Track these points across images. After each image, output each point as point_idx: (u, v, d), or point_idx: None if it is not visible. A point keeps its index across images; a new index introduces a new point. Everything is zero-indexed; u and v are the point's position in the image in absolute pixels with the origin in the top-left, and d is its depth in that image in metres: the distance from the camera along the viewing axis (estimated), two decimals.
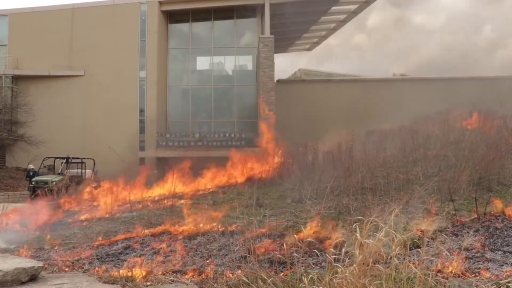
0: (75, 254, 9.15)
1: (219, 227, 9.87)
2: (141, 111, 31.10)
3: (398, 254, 5.91)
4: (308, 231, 8.22)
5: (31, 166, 24.90)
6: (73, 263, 8.53)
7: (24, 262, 6.96)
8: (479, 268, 6.86)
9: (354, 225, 6.17)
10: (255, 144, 28.64)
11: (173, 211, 12.03)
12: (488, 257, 7.31)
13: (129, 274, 7.44)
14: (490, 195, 10.62)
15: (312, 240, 7.40)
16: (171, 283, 6.80)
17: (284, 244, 7.03)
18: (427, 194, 10.76)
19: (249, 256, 6.88)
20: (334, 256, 5.75)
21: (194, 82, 33.58)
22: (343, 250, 5.59)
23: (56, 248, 9.78)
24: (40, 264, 7.07)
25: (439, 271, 6.51)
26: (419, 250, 7.07)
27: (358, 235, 5.85)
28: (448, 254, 6.72)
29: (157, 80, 31.12)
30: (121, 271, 7.67)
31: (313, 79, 41.23)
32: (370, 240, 5.86)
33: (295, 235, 7.07)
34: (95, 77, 30.85)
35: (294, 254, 6.74)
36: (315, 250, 7.39)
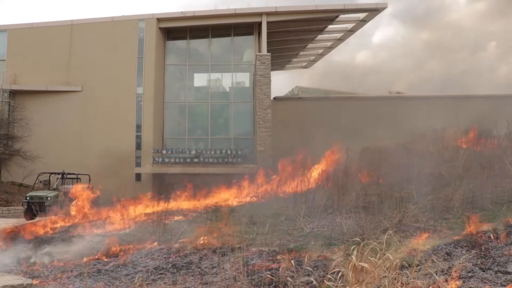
0: (67, 271, 9.09)
1: (211, 245, 9.82)
2: (138, 127, 31.11)
3: (389, 275, 5.90)
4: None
5: None
6: (63, 280, 8.47)
7: (14, 279, 6.92)
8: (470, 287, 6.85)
9: (352, 248, 6.17)
10: (251, 161, 28.71)
11: (166, 229, 11.98)
12: (479, 277, 7.29)
13: None
14: (483, 214, 10.63)
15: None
16: None
17: (280, 267, 7.00)
18: (421, 212, 10.76)
19: (239, 275, 6.85)
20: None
21: (191, 99, 33.69)
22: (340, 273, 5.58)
23: (47, 264, 9.71)
24: (29, 281, 7.04)
25: None
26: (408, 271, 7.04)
27: (353, 258, 5.87)
28: (436, 276, 6.68)
29: (154, 96, 31.19)
30: None
31: (310, 96, 41.37)
32: (365, 264, 5.87)
33: (292, 261, 7.00)
34: (93, 93, 30.89)
35: (288, 278, 6.71)
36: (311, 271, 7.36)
